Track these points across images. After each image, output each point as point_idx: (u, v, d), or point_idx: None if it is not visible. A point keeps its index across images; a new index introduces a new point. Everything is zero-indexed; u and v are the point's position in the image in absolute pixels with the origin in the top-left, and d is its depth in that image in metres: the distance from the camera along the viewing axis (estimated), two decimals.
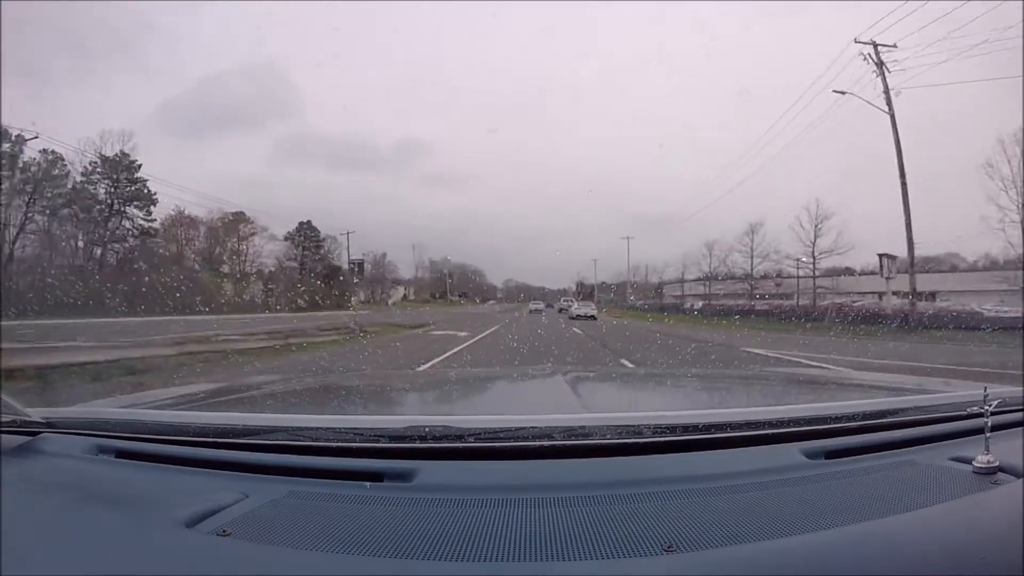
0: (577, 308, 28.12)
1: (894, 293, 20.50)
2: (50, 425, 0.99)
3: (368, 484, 0.78)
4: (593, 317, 25.69)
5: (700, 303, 34.74)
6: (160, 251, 33.43)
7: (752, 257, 31.84)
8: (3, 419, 0.94)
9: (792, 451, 0.86)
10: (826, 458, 0.86)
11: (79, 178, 30.54)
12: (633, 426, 0.89)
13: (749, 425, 0.90)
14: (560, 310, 33.82)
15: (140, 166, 31.82)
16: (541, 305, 37.86)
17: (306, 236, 42.54)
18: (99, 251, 31.39)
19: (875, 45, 18.87)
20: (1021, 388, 1.07)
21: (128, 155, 31.53)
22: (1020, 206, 20.65)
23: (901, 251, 19.46)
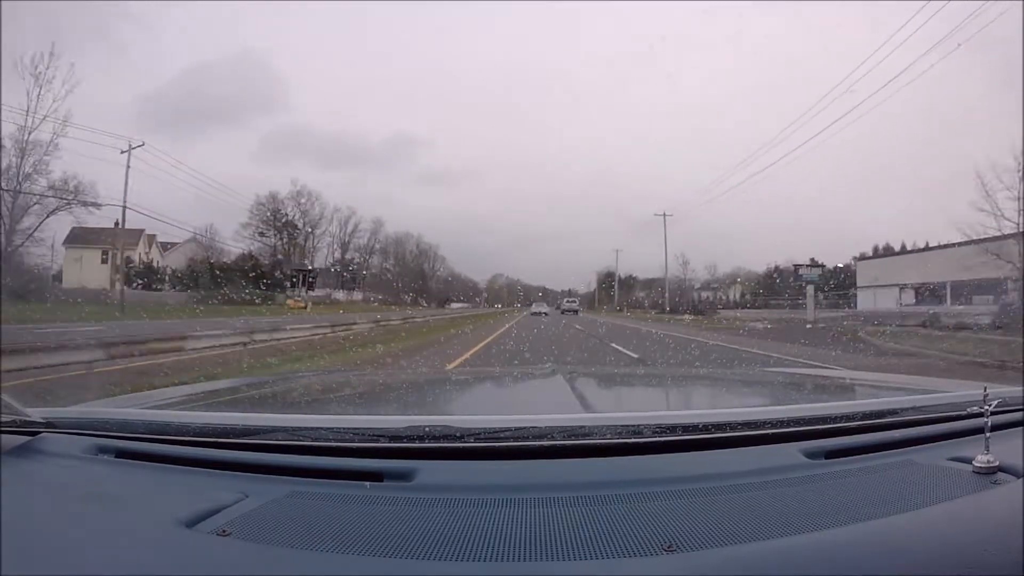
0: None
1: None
2: (50, 425, 0.99)
3: (368, 484, 0.78)
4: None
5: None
6: None
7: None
8: (3, 419, 0.94)
9: (792, 451, 0.86)
10: (826, 458, 0.86)
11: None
12: (633, 426, 0.89)
13: (749, 425, 0.90)
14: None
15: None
16: (543, 306, 41.14)
17: None
18: None
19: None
20: (1021, 388, 1.07)
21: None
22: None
23: None
